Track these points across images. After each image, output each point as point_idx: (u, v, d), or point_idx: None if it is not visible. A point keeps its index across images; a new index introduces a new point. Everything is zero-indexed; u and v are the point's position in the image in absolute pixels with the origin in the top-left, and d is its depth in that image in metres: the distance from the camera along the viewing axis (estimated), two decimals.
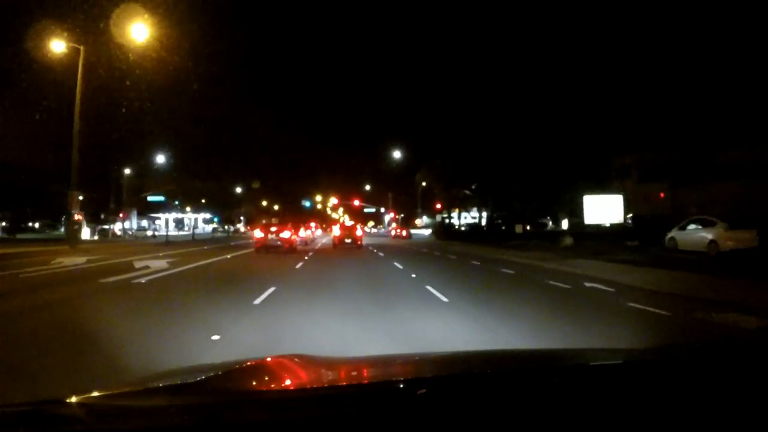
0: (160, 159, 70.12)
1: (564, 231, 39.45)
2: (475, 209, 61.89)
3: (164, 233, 71.77)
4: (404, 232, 61.73)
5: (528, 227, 56.56)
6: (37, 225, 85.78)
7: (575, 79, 60.90)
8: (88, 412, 1.30)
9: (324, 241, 46.45)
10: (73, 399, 1.37)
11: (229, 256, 22.97)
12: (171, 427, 1.21)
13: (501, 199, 42.32)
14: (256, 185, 58.44)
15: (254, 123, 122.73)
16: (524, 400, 1.38)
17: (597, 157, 57.96)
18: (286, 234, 25.38)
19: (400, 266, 18.70)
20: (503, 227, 40.32)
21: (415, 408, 1.32)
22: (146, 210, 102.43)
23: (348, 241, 32.21)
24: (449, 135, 49.40)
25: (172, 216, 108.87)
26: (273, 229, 25.94)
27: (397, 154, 55.82)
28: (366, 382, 1.87)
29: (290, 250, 25.44)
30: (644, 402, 1.35)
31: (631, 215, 38.40)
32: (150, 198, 66.93)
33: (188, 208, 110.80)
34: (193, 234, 59.70)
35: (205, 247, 31.09)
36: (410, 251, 31.37)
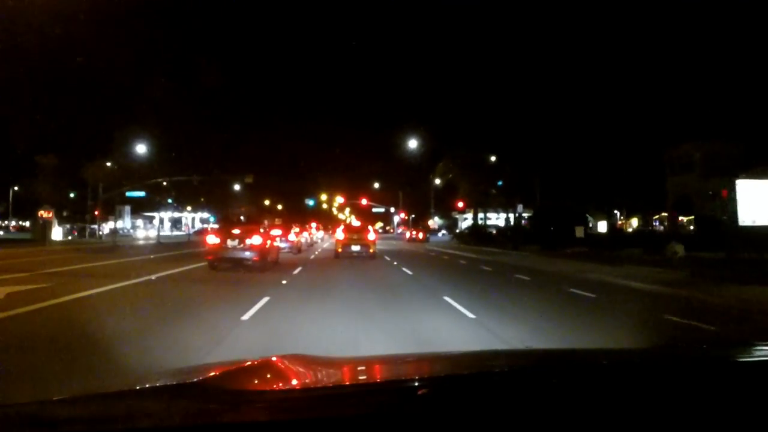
0: (146, 151, 61.22)
1: (668, 235, 29.86)
2: (491, 209, 52.02)
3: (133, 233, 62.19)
4: (421, 235, 52.13)
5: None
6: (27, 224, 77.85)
7: (622, 54, 51.03)
8: (88, 412, 1.28)
9: (326, 245, 36.58)
10: (73, 399, 1.38)
11: (153, 278, 13.16)
12: (171, 427, 1.16)
13: (548, 194, 32.51)
14: (249, 180, 49.10)
15: (254, 115, 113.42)
16: (525, 400, 1.34)
17: (646, 146, 48.05)
18: (255, 240, 15.47)
19: (468, 312, 8.77)
20: (549, 229, 30.38)
21: (417, 408, 1.29)
22: (140, 208, 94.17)
23: (355, 248, 22.38)
24: (480, 118, 39.67)
25: (167, 215, 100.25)
26: (236, 231, 16.09)
27: (412, 144, 45.83)
28: (366, 382, 1.81)
29: (262, 265, 15.55)
30: (644, 402, 1.31)
31: None
32: (129, 193, 57.23)
33: (189, 207, 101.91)
34: (158, 236, 50.06)
35: (152, 257, 21.35)
36: (445, 265, 21.53)
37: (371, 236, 22.76)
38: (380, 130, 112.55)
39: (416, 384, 1.50)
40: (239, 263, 15.43)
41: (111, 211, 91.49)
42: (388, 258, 23.77)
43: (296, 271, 15.78)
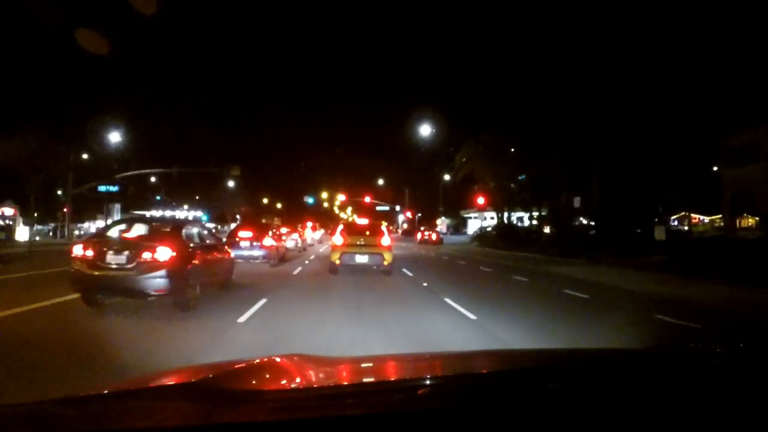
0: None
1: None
2: (520, 208, 44.03)
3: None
4: (434, 236, 44.27)
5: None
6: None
7: (673, 23, 42.91)
8: (88, 412, 1.24)
9: (323, 250, 28.41)
10: (73, 399, 1.33)
11: None
12: (171, 427, 1.12)
13: (609, 186, 24.52)
14: (235, 172, 41.86)
15: (253, 109, 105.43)
16: (525, 400, 1.29)
17: (699, 135, 39.92)
18: (161, 253, 7.11)
19: None
20: (621, 230, 22.36)
21: (416, 408, 1.24)
22: (132, 207, 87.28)
23: (361, 259, 14.22)
24: (507, 99, 31.78)
25: (158, 213, 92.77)
26: (130, 234, 8.19)
27: (421, 137, 37.91)
28: (366, 382, 1.77)
29: (180, 299, 7.52)
30: (643, 402, 1.28)
31: None
32: (101, 188, 49.47)
33: (185, 206, 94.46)
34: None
35: (52, 271, 13.23)
36: (505, 289, 13.43)
37: (385, 240, 14.66)
38: (385, 123, 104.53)
39: (416, 384, 1.48)
40: (136, 295, 7.45)
41: (99, 209, 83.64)
42: (408, 272, 15.81)
43: (246, 316, 7.68)
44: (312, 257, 22.56)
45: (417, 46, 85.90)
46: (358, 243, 14.49)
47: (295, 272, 15.16)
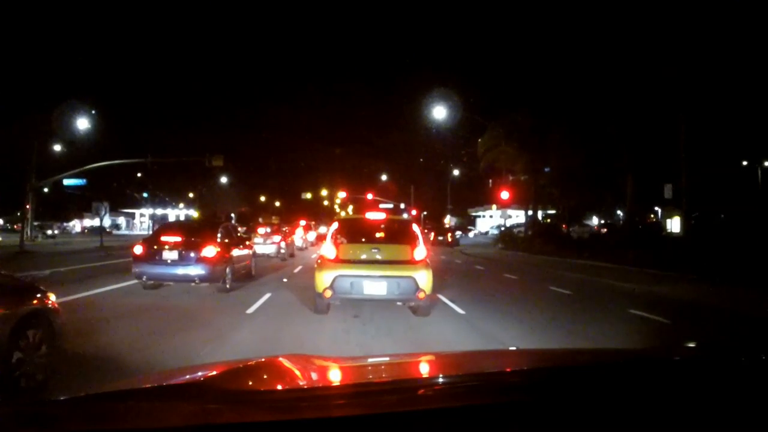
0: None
1: None
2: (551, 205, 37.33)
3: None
4: (449, 237, 37.68)
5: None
6: None
7: None
8: (88, 412, 1.20)
9: (315, 256, 21.45)
10: (73, 399, 1.30)
11: None
12: (170, 427, 1.10)
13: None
14: (218, 162, 35.39)
15: (252, 103, 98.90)
16: (524, 400, 1.25)
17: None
18: None
19: None
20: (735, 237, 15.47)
21: (416, 408, 1.21)
22: (121, 205, 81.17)
23: (375, 289, 7.25)
24: (550, 62, 25.04)
25: (150, 212, 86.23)
26: None
27: (436, 115, 30.99)
28: (366, 382, 1.69)
29: None
30: (641, 403, 1.25)
31: None
32: (67, 182, 42.67)
33: (181, 204, 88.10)
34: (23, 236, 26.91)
35: None
36: None
37: (420, 252, 7.51)
38: (388, 114, 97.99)
39: (416, 384, 1.45)
40: None
41: (86, 207, 76.77)
42: (453, 306, 8.91)
43: None
44: (298, 269, 15.64)
45: (425, 18, 77.80)
46: (367, 257, 7.55)
47: (253, 309, 8.13)
